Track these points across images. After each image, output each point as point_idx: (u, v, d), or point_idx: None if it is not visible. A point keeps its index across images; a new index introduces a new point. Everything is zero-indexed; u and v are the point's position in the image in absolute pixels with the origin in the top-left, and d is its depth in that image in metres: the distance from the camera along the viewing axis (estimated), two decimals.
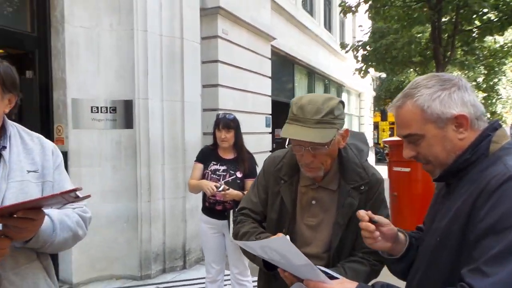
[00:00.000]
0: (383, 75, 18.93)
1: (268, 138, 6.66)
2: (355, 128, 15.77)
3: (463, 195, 0.90)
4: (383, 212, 1.34)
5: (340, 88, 13.37)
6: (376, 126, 21.66)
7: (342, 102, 1.27)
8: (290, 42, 8.24)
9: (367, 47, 7.99)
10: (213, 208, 2.71)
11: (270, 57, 6.69)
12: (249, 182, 2.63)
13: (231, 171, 2.68)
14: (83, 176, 3.63)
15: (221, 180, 2.66)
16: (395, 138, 6.49)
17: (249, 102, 5.92)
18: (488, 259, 0.75)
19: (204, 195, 2.74)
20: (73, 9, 3.55)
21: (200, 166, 2.77)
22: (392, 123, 28.32)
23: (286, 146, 1.33)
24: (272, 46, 6.89)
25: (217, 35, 5.19)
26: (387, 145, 6.73)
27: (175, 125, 3.99)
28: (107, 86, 3.70)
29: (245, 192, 2.45)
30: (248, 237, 1.36)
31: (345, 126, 1.31)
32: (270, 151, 6.71)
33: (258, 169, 2.55)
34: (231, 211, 2.60)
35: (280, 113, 9.75)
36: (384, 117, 20.07)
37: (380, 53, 7.77)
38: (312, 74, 10.36)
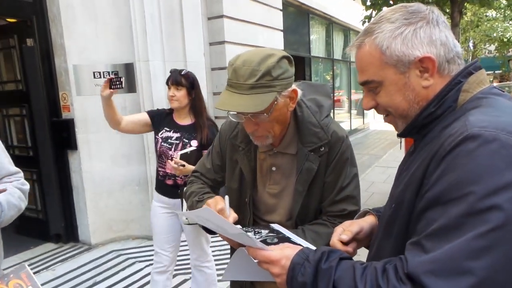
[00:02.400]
0: None
1: None
2: None
3: (421, 156, 0.76)
4: (350, 172, 1.23)
5: None
6: None
7: (286, 57, 1.09)
8: None
9: None
10: (163, 182, 2.32)
11: (281, 8, 6.33)
12: None
13: (184, 139, 2.27)
14: (92, 143, 3.68)
15: (173, 150, 2.25)
16: None
17: None
18: (430, 233, 0.64)
19: (156, 168, 2.36)
20: None
21: (145, 117, 2.34)
22: None
23: (227, 114, 1.15)
24: None
25: None
26: None
27: None
28: (107, 49, 3.62)
29: None
30: (193, 197, 1.33)
31: None
32: None
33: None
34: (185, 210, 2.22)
35: (296, 68, 9.43)
36: None
37: None
38: (330, 24, 9.81)
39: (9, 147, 4.04)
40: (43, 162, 3.70)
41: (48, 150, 3.66)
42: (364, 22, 7.24)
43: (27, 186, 1.35)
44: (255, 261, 0.86)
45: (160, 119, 2.34)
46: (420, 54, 0.76)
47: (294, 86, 1.14)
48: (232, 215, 1.08)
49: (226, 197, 1.10)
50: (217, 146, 1.39)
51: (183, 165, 2.08)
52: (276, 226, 1.14)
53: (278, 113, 1.13)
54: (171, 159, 2.12)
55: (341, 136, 1.22)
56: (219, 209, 1.07)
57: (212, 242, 2.56)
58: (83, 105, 3.60)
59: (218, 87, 5.16)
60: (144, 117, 2.35)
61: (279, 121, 1.16)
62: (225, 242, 1.24)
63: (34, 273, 1.92)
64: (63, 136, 3.61)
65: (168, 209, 2.35)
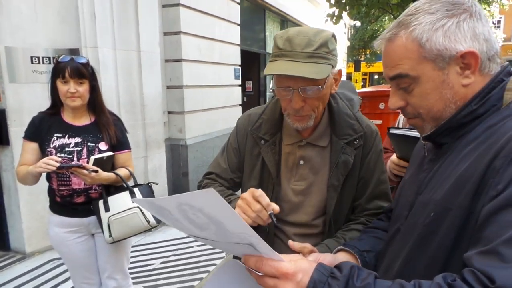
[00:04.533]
0: (358, 23, 18.45)
1: (238, 91, 6.30)
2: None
3: (467, 158, 0.70)
4: (383, 166, 1.19)
5: None
6: (349, 77, 21.53)
7: (334, 36, 1.05)
8: None
9: None
10: (70, 202, 1.85)
11: (238, 1, 6.15)
12: (122, 157, 1.97)
13: (89, 144, 1.84)
14: None
15: (76, 159, 1.80)
16: (368, 89, 6.31)
17: (216, 51, 5.48)
18: (508, 239, 0.55)
19: (51, 187, 1.88)
20: None
21: (32, 146, 1.82)
22: (365, 74, 28.21)
23: (270, 89, 1.10)
24: None
25: None
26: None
27: (131, 77, 3.58)
28: (48, 32, 3.19)
29: (119, 172, 1.88)
30: None
31: None
32: (240, 105, 6.40)
33: (130, 137, 2.05)
34: (101, 203, 1.83)
35: (250, 64, 9.31)
36: (357, 68, 19.80)
37: None
38: (285, 21, 9.81)
39: None
40: None
41: None
42: (326, 20, 7.26)
43: None
44: (259, 274, 0.69)
45: (42, 127, 1.83)
46: (463, 48, 0.69)
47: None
48: (275, 207, 0.96)
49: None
50: (234, 142, 1.26)
51: (96, 171, 1.72)
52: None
53: (326, 91, 1.06)
54: (80, 168, 1.69)
55: (374, 129, 1.18)
56: (259, 194, 0.96)
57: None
58: (18, 94, 3.13)
59: (173, 80, 4.85)
60: (30, 146, 1.82)
61: (323, 101, 1.08)
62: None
63: None
64: None
65: (80, 232, 1.91)
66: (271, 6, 8.33)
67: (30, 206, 3.30)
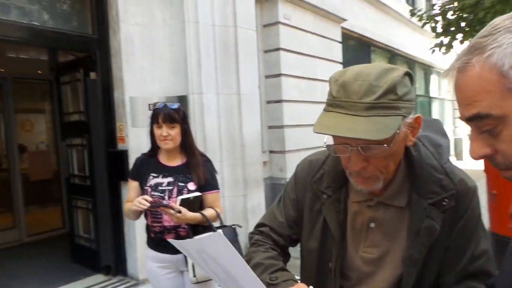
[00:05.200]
0: None
1: None
2: (448, 116, 14.05)
3: None
4: (483, 236, 0.92)
5: (428, 70, 11.96)
6: None
7: (408, 74, 0.83)
8: (364, 22, 7.51)
9: (448, 15, 6.39)
10: (161, 238, 1.96)
11: (340, 40, 6.15)
12: (210, 197, 2.02)
13: (179, 183, 1.95)
14: None
15: (167, 198, 1.90)
16: None
17: (318, 91, 5.49)
18: None
19: (147, 223, 2.03)
20: (127, 7, 3.55)
21: (134, 184, 2.02)
22: None
23: (324, 145, 0.90)
24: (343, 28, 6.33)
25: (278, 21, 4.88)
26: None
27: (232, 119, 3.80)
28: (162, 82, 3.66)
29: (205, 213, 1.94)
30: (260, 272, 0.96)
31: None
32: None
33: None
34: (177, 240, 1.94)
35: None
36: None
37: (464, 19, 6.08)
38: (394, 56, 9.39)
39: (70, 176, 4.19)
40: (98, 192, 3.74)
41: (104, 180, 3.70)
42: (433, 51, 6.67)
43: None
44: None
45: (142, 167, 2.02)
46: None
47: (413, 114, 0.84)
48: None
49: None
50: (292, 192, 1.08)
51: (179, 211, 1.77)
52: None
53: (397, 147, 0.84)
54: (167, 207, 1.79)
55: (471, 186, 0.92)
56: None
57: None
58: (138, 136, 3.62)
59: (274, 120, 5.00)
60: (133, 185, 2.04)
61: (395, 158, 0.87)
62: None
63: None
64: (117, 167, 3.63)
65: (169, 268, 1.99)
66: (377, 42, 8.10)
67: (144, 237, 3.66)
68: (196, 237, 0.74)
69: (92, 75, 3.69)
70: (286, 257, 1.10)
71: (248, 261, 1.02)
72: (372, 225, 0.94)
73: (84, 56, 3.80)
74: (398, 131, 0.79)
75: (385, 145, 0.79)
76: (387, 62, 9.21)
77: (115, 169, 3.66)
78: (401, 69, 0.83)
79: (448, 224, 0.89)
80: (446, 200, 0.88)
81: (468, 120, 0.59)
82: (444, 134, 1.01)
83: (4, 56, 5.03)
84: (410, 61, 10.48)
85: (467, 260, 0.89)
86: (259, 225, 1.13)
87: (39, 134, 5.76)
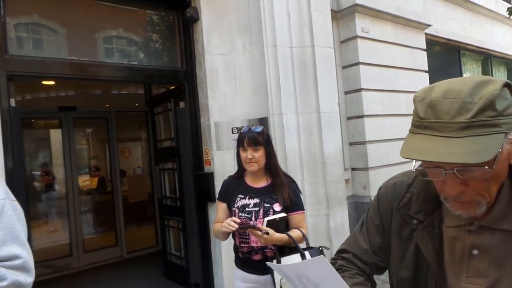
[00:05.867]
0: None
1: None
2: None
3: None
4: None
5: None
6: None
7: (507, 85, 0.74)
8: (451, 25, 6.96)
9: None
10: (248, 259, 2.02)
11: (424, 47, 5.78)
12: (296, 218, 2.03)
13: (265, 204, 1.98)
14: None
15: (254, 219, 1.95)
16: None
17: (402, 103, 5.20)
18: None
19: (235, 244, 2.10)
20: (210, 39, 3.81)
21: (223, 205, 2.12)
22: None
23: (413, 169, 0.84)
24: (427, 34, 5.95)
25: (356, 35, 4.79)
26: None
27: (312, 137, 3.77)
28: (243, 106, 3.81)
29: (291, 234, 1.91)
30: None
31: None
32: None
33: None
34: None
35: None
36: None
37: None
38: (488, 58, 8.48)
39: (163, 198, 4.54)
40: (187, 212, 3.98)
41: (192, 201, 3.93)
42: None
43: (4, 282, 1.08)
44: None
45: (230, 189, 2.11)
46: None
47: None
48: None
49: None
50: (375, 217, 1.02)
51: (267, 233, 1.80)
52: None
53: (501, 167, 0.75)
54: (254, 228, 1.83)
55: None
56: None
57: None
58: (222, 159, 3.79)
59: (355, 136, 4.85)
60: (222, 206, 2.14)
61: (499, 179, 0.78)
62: None
63: None
64: (204, 188, 3.83)
65: None
66: (467, 45, 7.42)
67: (229, 256, 3.77)
68: (297, 262, 0.75)
69: (181, 104, 4.00)
70: (372, 285, 1.04)
71: None
72: (475, 252, 0.84)
73: (174, 88, 4.15)
74: (500, 150, 0.70)
75: (486, 167, 0.70)
76: (481, 65, 8.36)
77: (202, 190, 3.87)
78: (498, 80, 0.74)
79: None
80: None
81: None
82: None
83: (109, 93, 5.75)
84: (509, 62, 9.35)
85: None
86: (341, 251, 1.09)
87: (136, 160, 6.39)
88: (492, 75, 8.72)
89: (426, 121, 0.74)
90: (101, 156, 6.06)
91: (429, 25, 5.82)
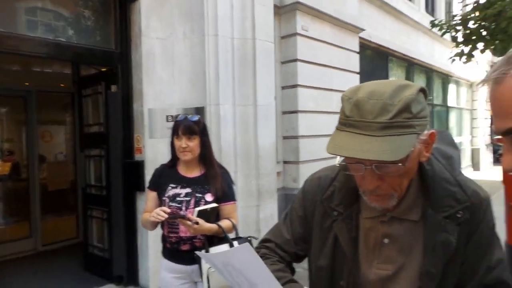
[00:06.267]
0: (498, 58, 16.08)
1: None
2: (467, 125, 13.72)
3: None
4: (498, 246, 0.91)
5: (446, 79, 11.75)
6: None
7: (423, 91, 0.83)
8: (382, 32, 7.46)
9: (470, 24, 6.24)
10: (177, 249, 1.99)
11: (357, 50, 6.11)
12: (227, 208, 2.03)
13: (197, 194, 1.97)
14: None
15: (184, 209, 1.93)
16: None
17: (334, 101, 5.46)
18: None
19: (163, 233, 2.05)
20: (149, 22, 3.62)
21: (153, 194, 2.05)
22: None
23: (337, 164, 0.90)
24: (360, 38, 6.29)
25: (296, 32, 4.89)
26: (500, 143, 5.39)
27: (248, 130, 3.80)
28: (181, 94, 3.70)
29: (221, 224, 1.94)
30: None
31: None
32: None
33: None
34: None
35: None
36: None
37: (486, 28, 5.96)
38: (411, 66, 9.27)
39: (87, 186, 4.26)
40: (113, 202, 3.79)
41: (119, 190, 3.75)
42: (453, 60, 6.55)
43: None
44: None
45: (161, 178, 2.05)
46: None
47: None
48: None
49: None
50: (299, 209, 1.07)
51: (197, 223, 1.79)
52: None
53: (412, 164, 0.84)
54: (185, 219, 1.81)
55: (484, 198, 0.91)
56: None
57: None
58: (154, 147, 3.66)
59: (289, 131, 4.99)
60: (152, 195, 2.07)
61: (410, 175, 0.87)
62: None
63: None
64: (134, 177, 3.67)
65: (184, 279, 2.00)
66: (395, 52, 8.02)
67: (157, 247, 3.66)
68: (224, 250, 0.77)
69: (113, 87, 3.76)
70: (291, 272, 1.09)
71: None
72: (386, 240, 0.93)
73: (106, 70, 3.89)
74: (412, 149, 0.79)
75: (400, 164, 0.78)
76: (405, 72, 9.10)
77: (131, 179, 3.71)
78: (416, 85, 0.83)
79: (464, 237, 0.88)
80: (460, 212, 0.88)
81: (504, 134, 0.58)
82: (454, 145, 1.01)
83: (29, 70, 5.20)
84: (428, 70, 10.32)
85: (483, 271, 0.89)
86: (264, 240, 1.13)
87: (58, 144, 5.88)
88: (413, 81, 9.53)
89: (351, 120, 0.80)
90: (17, 139, 5.47)
91: (363, 29, 6.17)
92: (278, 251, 1.07)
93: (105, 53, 3.69)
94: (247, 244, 0.68)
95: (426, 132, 0.82)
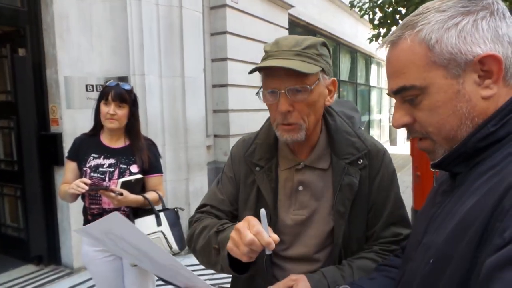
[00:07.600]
0: None
1: None
2: (386, 104, 14.93)
3: (476, 193, 0.56)
4: (398, 188, 1.08)
5: (369, 59, 12.57)
6: None
7: (325, 44, 0.99)
8: (311, 10, 7.66)
9: (386, 7, 6.72)
10: None
11: (287, 27, 6.22)
12: (153, 180, 2.01)
13: (122, 165, 1.90)
14: None
15: (107, 180, 1.86)
16: None
17: None
18: None
19: (84, 205, 1.96)
20: None
21: (72, 165, 1.95)
22: None
23: (255, 94, 1.02)
24: (290, 15, 6.39)
25: (226, 3, 4.80)
26: None
27: (175, 102, 3.72)
28: (102, 62, 3.46)
29: (147, 196, 1.94)
30: (207, 232, 1.02)
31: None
32: None
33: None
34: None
35: None
36: None
37: (399, 12, 6.33)
38: (337, 45, 9.71)
39: None
40: (28, 178, 3.49)
41: (34, 165, 3.45)
42: (371, 41, 7.01)
43: None
44: None
45: (82, 147, 1.95)
46: (482, 51, 0.57)
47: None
48: (274, 236, 0.81)
49: (263, 211, 0.82)
50: (229, 171, 1.15)
51: (121, 194, 1.75)
52: None
53: (317, 97, 0.96)
54: (107, 190, 1.76)
55: (380, 148, 1.08)
56: (255, 232, 0.80)
57: None
58: (73, 118, 3.41)
59: (219, 105, 4.98)
60: (71, 166, 1.96)
61: (316, 110, 0.98)
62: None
63: None
64: (50, 151, 3.40)
65: (107, 252, 1.94)
66: (322, 30, 8.31)
67: (79, 222, 3.50)
68: (97, 220, 0.77)
69: (21, 51, 3.38)
70: None
71: (192, 234, 1.08)
72: (300, 188, 1.04)
73: (11, 31, 3.46)
74: (318, 81, 0.94)
75: (308, 86, 0.92)
76: (331, 50, 9.50)
77: (47, 153, 3.43)
78: (320, 39, 1.00)
79: (367, 181, 1.03)
80: (361, 160, 1.03)
81: (395, 93, 0.65)
82: (356, 110, 1.18)
83: None
84: (353, 50, 10.91)
85: (388, 210, 1.03)
86: (200, 206, 1.17)
87: None
88: (339, 60, 10.05)
89: (271, 52, 0.95)
90: None
91: (293, 6, 6.26)
92: (214, 211, 1.12)
93: (9, 11, 3.27)
94: (116, 212, 0.69)
95: (329, 78, 0.98)
